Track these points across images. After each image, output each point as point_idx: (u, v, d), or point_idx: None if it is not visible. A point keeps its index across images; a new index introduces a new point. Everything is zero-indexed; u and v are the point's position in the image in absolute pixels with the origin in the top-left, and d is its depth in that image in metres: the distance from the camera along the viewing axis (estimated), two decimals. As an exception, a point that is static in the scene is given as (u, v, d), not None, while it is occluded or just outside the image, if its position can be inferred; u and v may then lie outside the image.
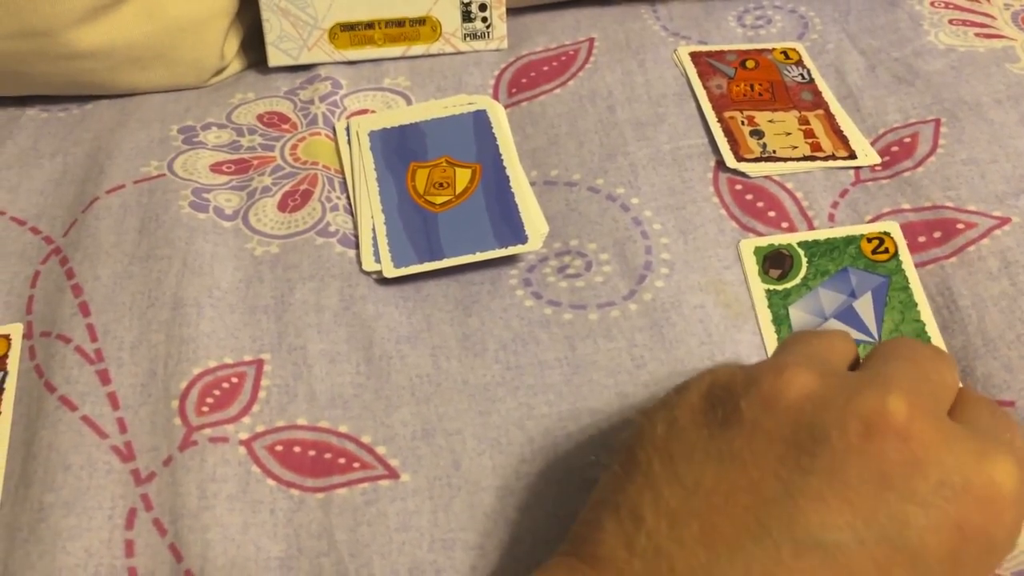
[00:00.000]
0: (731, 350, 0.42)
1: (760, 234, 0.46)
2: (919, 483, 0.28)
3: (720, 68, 0.54)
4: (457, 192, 0.49)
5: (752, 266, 0.45)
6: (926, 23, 0.56)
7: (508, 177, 0.49)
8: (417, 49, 0.57)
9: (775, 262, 0.45)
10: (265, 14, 0.55)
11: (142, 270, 0.46)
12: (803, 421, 0.29)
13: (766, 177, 0.49)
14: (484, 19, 0.57)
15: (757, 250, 0.45)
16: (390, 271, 0.45)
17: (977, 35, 0.55)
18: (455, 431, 0.40)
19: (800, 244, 0.45)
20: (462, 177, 0.49)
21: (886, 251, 0.45)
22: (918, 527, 0.28)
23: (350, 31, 0.56)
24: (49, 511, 0.38)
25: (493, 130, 0.52)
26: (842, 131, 0.50)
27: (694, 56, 0.55)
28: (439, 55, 0.58)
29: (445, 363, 0.42)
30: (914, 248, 0.45)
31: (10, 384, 0.43)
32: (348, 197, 0.49)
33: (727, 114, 0.51)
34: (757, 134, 0.50)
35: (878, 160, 0.49)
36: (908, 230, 0.45)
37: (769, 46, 0.56)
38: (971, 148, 0.48)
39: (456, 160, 0.50)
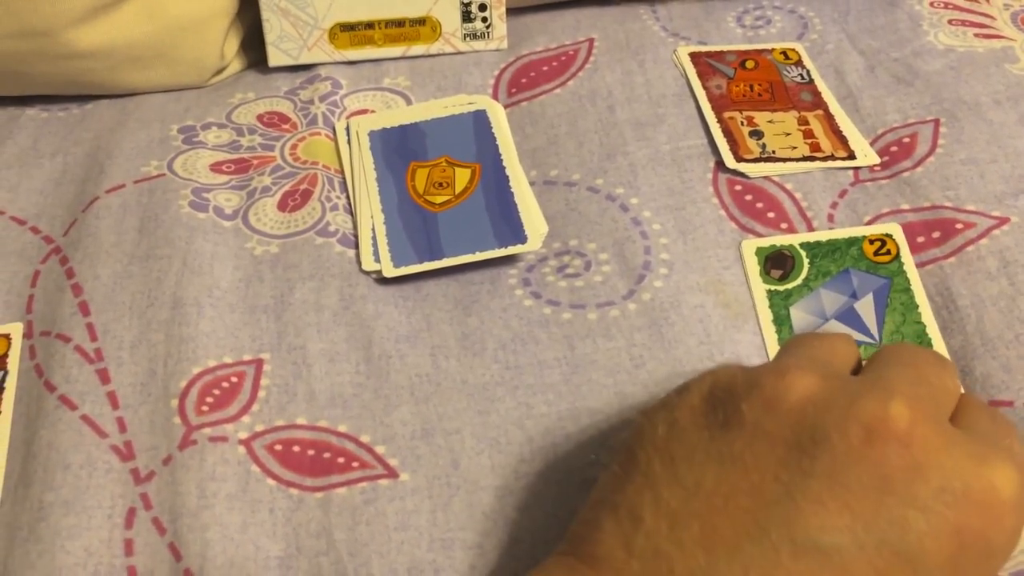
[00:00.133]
0: (730, 350, 0.42)
1: (759, 234, 0.46)
2: (920, 488, 0.28)
3: (720, 68, 0.54)
4: (457, 192, 0.49)
5: (753, 266, 0.45)
6: (925, 23, 0.56)
7: (508, 177, 0.49)
8: (417, 49, 0.57)
9: (777, 263, 0.45)
10: (265, 14, 0.55)
11: (142, 269, 0.46)
12: (804, 424, 0.29)
13: (765, 177, 0.49)
14: (484, 19, 0.57)
15: (759, 250, 0.45)
16: (390, 271, 0.45)
17: (976, 35, 0.55)
18: (454, 430, 0.40)
19: (802, 245, 0.45)
20: (462, 177, 0.49)
21: (888, 253, 0.45)
22: (918, 532, 0.28)
23: (350, 31, 0.56)
24: (49, 510, 0.38)
25: (493, 130, 0.52)
26: (841, 131, 0.50)
27: (694, 56, 0.55)
28: (439, 55, 0.58)
29: (444, 363, 0.42)
30: (913, 248, 0.45)
31: (10, 383, 0.43)
32: (348, 197, 0.49)
33: (727, 114, 0.52)
34: (756, 134, 0.50)
35: (877, 160, 0.49)
36: (907, 230, 0.45)
37: (769, 46, 0.56)
38: (970, 148, 0.48)
39: (456, 160, 0.50)
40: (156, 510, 0.38)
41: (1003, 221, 0.45)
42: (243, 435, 0.40)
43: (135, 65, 0.55)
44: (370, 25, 0.56)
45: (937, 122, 0.50)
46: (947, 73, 0.52)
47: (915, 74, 0.53)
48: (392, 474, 0.39)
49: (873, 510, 0.28)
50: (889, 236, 0.45)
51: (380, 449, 0.40)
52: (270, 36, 0.56)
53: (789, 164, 0.49)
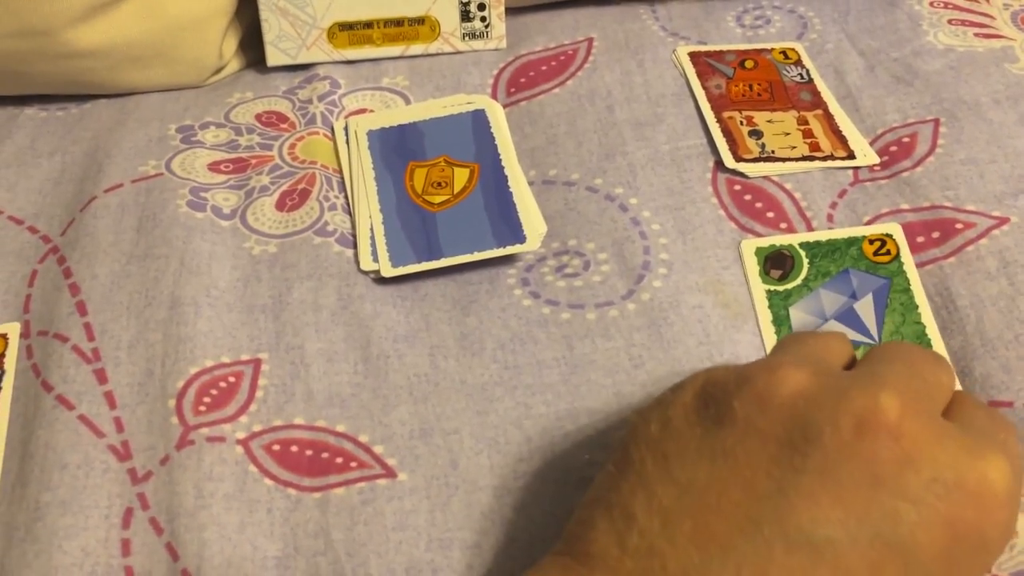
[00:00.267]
0: (730, 350, 0.42)
1: (758, 234, 0.46)
2: (911, 480, 0.28)
3: (719, 68, 0.54)
4: (455, 192, 0.49)
5: (753, 266, 0.45)
6: (925, 23, 0.56)
7: (506, 177, 0.49)
8: (416, 49, 0.57)
9: (776, 263, 0.45)
10: (264, 13, 0.55)
11: (140, 269, 0.46)
12: (796, 419, 0.29)
13: (765, 177, 0.48)
14: (483, 19, 0.57)
15: (758, 250, 0.45)
16: (388, 270, 0.45)
17: (976, 35, 0.55)
18: (453, 430, 0.40)
19: (801, 245, 0.45)
20: (460, 177, 0.49)
21: (888, 253, 0.45)
22: (910, 524, 0.28)
23: (349, 30, 0.56)
24: (46, 510, 0.38)
25: (492, 130, 0.52)
26: (841, 131, 0.50)
27: (693, 56, 0.55)
28: (438, 55, 0.58)
29: (443, 362, 0.42)
30: (913, 248, 0.45)
31: (7, 383, 0.43)
32: (346, 196, 0.49)
33: (726, 114, 0.51)
34: (756, 134, 0.50)
35: (877, 160, 0.49)
36: (907, 230, 0.45)
37: (768, 46, 0.56)
38: (970, 148, 0.48)
39: (454, 160, 0.50)
40: (153, 510, 0.38)
41: (1003, 221, 0.45)
42: (241, 435, 0.40)
43: (134, 64, 0.55)
44: (369, 24, 0.56)
45: (937, 122, 0.50)
46: (947, 73, 0.52)
47: (915, 74, 0.53)
48: (390, 474, 0.39)
49: (865, 503, 0.28)
50: (889, 236, 0.45)
51: (378, 449, 0.40)
52: (269, 35, 0.56)
53: (788, 164, 0.49)
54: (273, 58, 0.57)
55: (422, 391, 0.41)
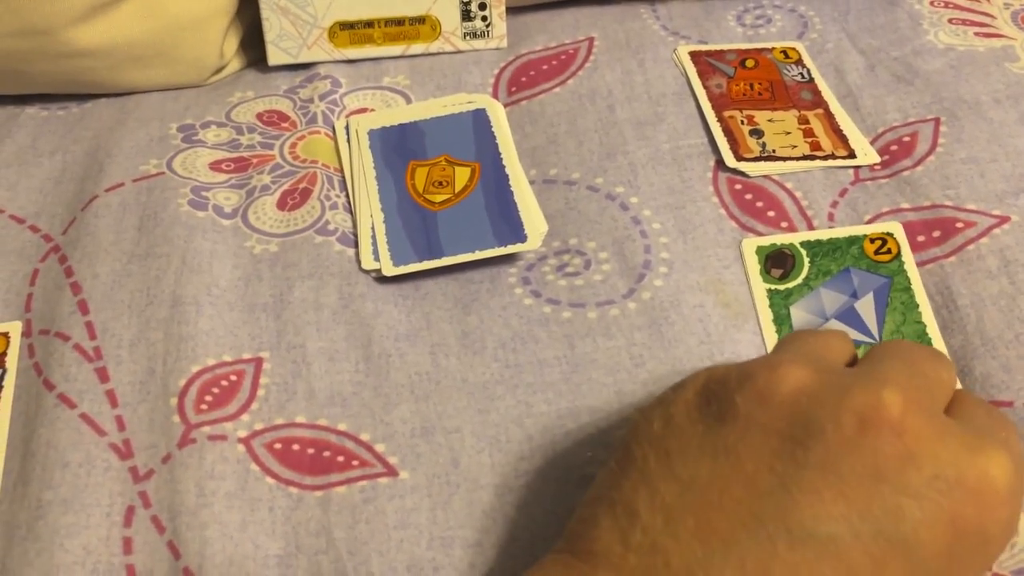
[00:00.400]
0: (730, 350, 0.42)
1: (759, 233, 0.46)
2: (913, 476, 0.28)
3: (720, 67, 0.54)
4: (456, 191, 0.49)
5: (754, 265, 0.45)
6: (926, 22, 0.56)
7: (507, 176, 0.49)
8: (417, 48, 0.57)
9: (777, 262, 0.45)
10: (265, 13, 0.55)
11: (141, 268, 0.46)
12: (798, 415, 0.29)
13: (765, 176, 0.49)
14: (484, 18, 0.57)
15: (759, 249, 0.45)
16: (389, 269, 0.45)
17: (977, 34, 0.55)
18: (454, 429, 0.40)
19: (802, 244, 0.45)
20: (461, 176, 0.49)
21: (888, 252, 0.45)
22: (912, 520, 0.28)
23: (350, 30, 0.56)
24: (47, 508, 0.38)
25: (492, 129, 0.52)
26: (841, 130, 0.50)
27: (694, 55, 0.55)
28: (439, 54, 0.58)
29: (444, 361, 0.42)
30: (913, 247, 0.45)
31: (9, 382, 0.43)
32: (347, 195, 0.49)
33: (727, 113, 0.51)
34: (757, 133, 0.50)
35: (877, 159, 0.49)
36: (907, 229, 0.45)
37: (769, 45, 0.56)
38: (970, 147, 0.48)
39: (455, 159, 0.50)
40: (155, 508, 0.38)
41: (1003, 220, 0.45)
42: (242, 433, 0.40)
43: (135, 64, 0.55)
44: (370, 24, 0.56)
45: (937, 121, 0.50)
46: (947, 72, 0.52)
47: (915, 73, 0.53)
48: (392, 472, 0.39)
49: (867, 499, 0.28)
50: (890, 235, 0.45)
51: (380, 447, 0.40)
52: (269, 35, 0.56)
53: (789, 163, 0.49)
54: (274, 57, 0.57)
55: (423, 390, 0.41)
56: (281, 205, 0.49)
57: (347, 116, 0.54)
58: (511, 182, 0.49)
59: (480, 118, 0.52)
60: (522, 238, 0.46)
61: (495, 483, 0.39)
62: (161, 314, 0.44)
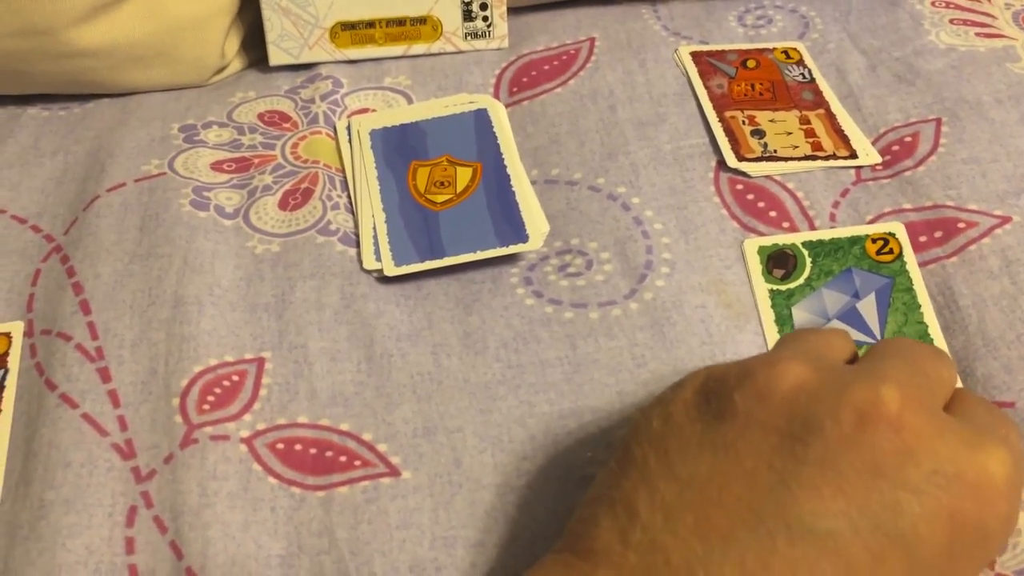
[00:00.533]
0: (732, 350, 0.42)
1: (761, 234, 0.46)
2: (911, 472, 0.28)
3: (721, 68, 0.54)
4: (458, 191, 0.49)
5: (756, 266, 0.45)
6: (927, 23, 0.56)
7: (509, 176, 0.49)
8: (418, 48, 0.57)
9: (779, 262, 0.45)
10: (266, 13, 0.55)
11: (143, 268, 0.46)
12: (797, 412, 0.29)
13: (767, 177, 0.49)
14: (485, 18, 0.57)
15: (761, 249, 0.45)
16: (391, 269, 0.45)
17: (978, 35, 0.55)
18: (456, 429, 0.40)
19: (804, 244, 0.45)
20: (463, 176, 0.49)
21: (890, 252, 0.45)
22: (912, 515, 0.28)
23: (351, 30, 0.56)
24: (49, 508, 0.38)
25: (494, 129, 0.52)
26: (843, 130, 0.50)
27: (695, 56, 0.55)
28: (440, 54, 0.58)
29: (446, 361, 0.42)
30: (915, 247, 0.45)
31: (11, 382, 0.43)
32: (349, 196, 0.49)
33: (728, 114, 0.51)
34: (758, 133, 0.50)
35: (879, 159, 0.49)
36: (909, 229, 0.45)
37: (770, 46, 0.56)
38: (972, 147, 0.48)
39: (457, 159, 0.50)
40: (157, 508, 0.38)
41: (1005, 220, 0.45)
42: (244, 433, 0.40)
43: (136, 64, 0.55)
44: (371, 24, 0.56)
45: (939, 121, 0.50)
46: (948, 72, 0.52)
47: (916, 73, 0.53)
48: (394, 472, 0.39)
49: (866, 494, 0.28)
50: (892, 235, 0.45)
51: (382, 447, 0.40)
52: (271, 35, 0.56)
53: (791, 163, 0.49)
54: (275, 58, 0.57)
55: (425, 390, 0.41)
56: (283, 205, 0.49)
57: (348, 116, 0.54)
58: (513, 182, 0.49)
59: (481, 118, 0.52)
60: (524, 238, 0.46)
61: (497, 483, 0.39)
62: (163, 314, 0.44)
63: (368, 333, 0.43)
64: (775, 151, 0.49)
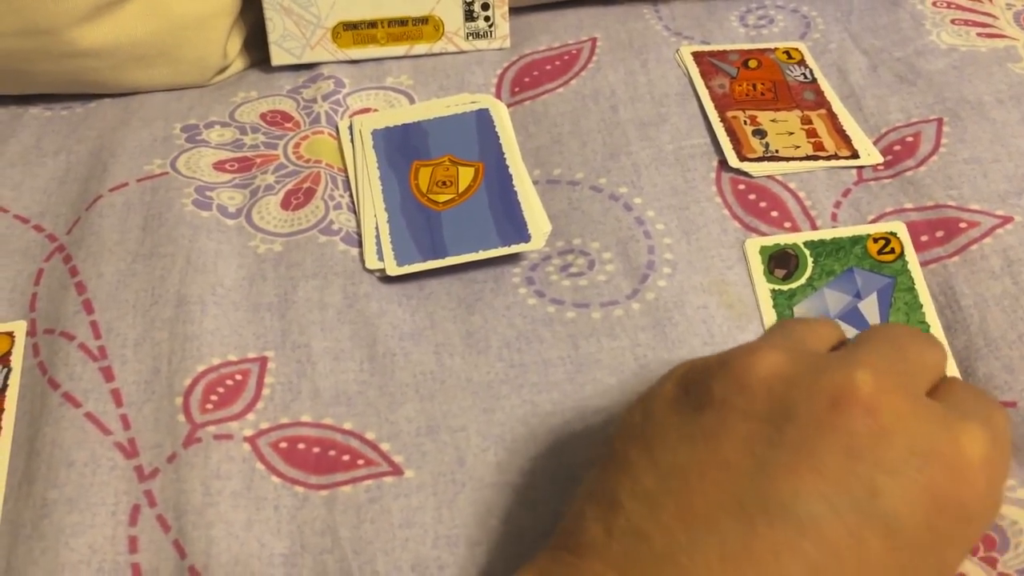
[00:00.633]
0: (734, 349, 0.42)
1: (763, 234, 0.46)
2: (886, 452, 0.29)
3: (723, 68, 0.54)
4: (460, 191, 0.49)
5: (757, 266, 0.45)
6: (928, 23, 0.56)
7: (511, 176, 0.49)
8: (420, 48, 0.57)
9: (780, 262, 0.45)
10: (268, 13, 0.56)
11: (145, 268, 0.46)
12: (773, 398, 0.30)
13: (769, 177, 0.49)
14: (487, 18, 0.57)
15: (763, 249, 0.45)
16: (393, 269, 0.45)
17: (979, 35, 0.55)
18: (459, 428, 0.40)
19: (806, 244, 0.46)
20: (465, 176, 0.49)
21: (892, 251, 0.45)
22: (890, 496, 0.28)
23: (353, 30, 0.56)
24: (52, 507, 0.38)
25: (496, 129, 0.52)
26: (844, 130, 0.50)
27: (696, 56, 0.55)
28: (442, 54, 0.58)
29: (449, 360, 0.42)
30: (917, 247, 0.45)
31: (14, 381, 0.43)
32: (351, 195, 0.49)
33: (730, 114, 0.52)
34: (760, 134, 0.50)
35: (880, 159, 0.49)
36: (911, 229, 0.45)
37: (771, 46, 0.56)
38: (973, 147, 0.48)
39: (459, 159, 0.50)
40: (160, 507, 0.38)
41: (1007, 220, 0.45)
42: (248, 433, 0.40)
43: (138, 64, 0.55)
44: (373, 24, 0.57)
45: (940, 121, 0.50)
46: (950, 72, 0.53)
47: (918, 73, 0.53)
48: (397, 471, 0.39)
49: (843, 476, 0.28)
50: (893, 235, 0.45)
51: (385, 446, 0.40)
52: (273, 35, 0.56)
53: (792, 163, 0.49)
54: (277, 57, 0.57)
55: (428, 389, 0.41)
56: (285, 205, 0.49)
57: (351, 116, 0.54)
58: (515, 182, 0.49)
59: (483, 118, 0.52)
60: (526, 238, 0.46)
61: (500, 482, 0.39)
62: (166, 313, 0.44)
63: (371, 332, 0.43)
64: (777, 151, 0.49)
